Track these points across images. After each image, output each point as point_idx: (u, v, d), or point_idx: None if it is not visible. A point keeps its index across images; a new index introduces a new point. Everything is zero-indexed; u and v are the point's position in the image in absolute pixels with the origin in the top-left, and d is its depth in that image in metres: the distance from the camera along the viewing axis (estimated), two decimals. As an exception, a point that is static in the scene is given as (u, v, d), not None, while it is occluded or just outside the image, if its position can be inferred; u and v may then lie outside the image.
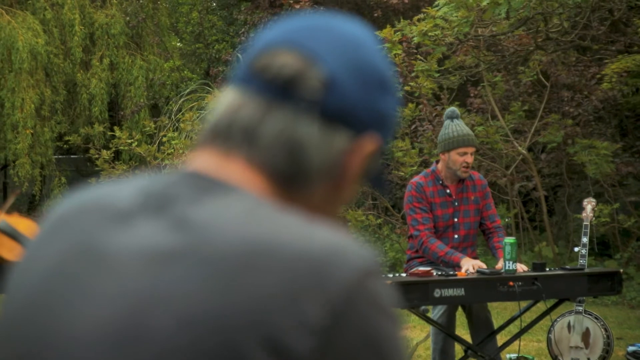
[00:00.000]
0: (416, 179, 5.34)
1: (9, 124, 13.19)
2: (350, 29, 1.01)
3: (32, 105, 13.31)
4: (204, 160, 0.96)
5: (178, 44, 16.38)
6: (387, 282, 0.89)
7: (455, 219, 5.25)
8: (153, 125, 11.98)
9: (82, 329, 0.86)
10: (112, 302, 0.86)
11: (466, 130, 5.20)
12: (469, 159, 5.16)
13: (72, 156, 16.04)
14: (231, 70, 1.01)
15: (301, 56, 0.95)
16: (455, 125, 5.18)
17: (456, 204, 5.25)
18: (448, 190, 5.25)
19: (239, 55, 1.01)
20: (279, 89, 0.94)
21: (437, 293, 4.65)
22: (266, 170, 0.94)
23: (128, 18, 14.63)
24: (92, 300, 0.87)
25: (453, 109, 5.36)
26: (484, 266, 5.00)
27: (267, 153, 0.93)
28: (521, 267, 5.04)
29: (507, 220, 10.41)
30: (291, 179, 0.94)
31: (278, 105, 0.94)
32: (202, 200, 0.90)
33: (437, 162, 5.32)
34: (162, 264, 0.86)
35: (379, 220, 11.00)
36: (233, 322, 0.82)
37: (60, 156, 16.00)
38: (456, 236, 5.23)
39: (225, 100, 0.98)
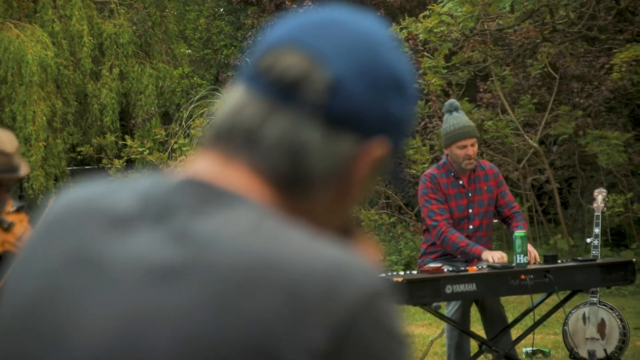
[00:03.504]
0: (429, 170, 5.33)
1: (22, 137, 13.25)
2: (363, 25, 0.95)
3: (44, 118, 13.38)
4: (206, 165, 0.92)
5: (187, 51, 16.43)
6: (395, 304, 0.85)
7: (470, 210, 5.24)
8: (164, 133, 12.01)
9: (77, 344, 0.84)
10: (108, 318, 0.83)
11: (464, 122, 5.14)
12: (470, 150, 5.12)
13: (85, 167, 16.10)
14: (239, 69, 0.97)
15: (307, 57, 0.90)
16: (453, 119, 5.14)
17: (470, 194, 5.25)
18: (461, 182, 5.24)
19: (247, 55, 0.97)
20: (283, 91, 0.90)
21: (448, 289, 4.64)
22: (267, 176, 0.90)
23: (135, 27, 14.68)
24: (87, 313, 0.84)
25: (451, 101, 5.31)
26: (505, 257, 4.99)
27: (268, 157, 0.89)
28: (535, 255, 5.04)
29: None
30: (293, 185, 0.90)
31: (281, 108, 0.90)
32: (204, 211, 0.86)
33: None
34: (161, 279, 0.83)
35: (392, 219, 10.99)
36: (231, 343, 0.79)
37: (74, 167, 16.07)
38: (471, 227, 5.23)
39: (231, 100, 0.94)
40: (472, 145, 5.13)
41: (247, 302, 0.80)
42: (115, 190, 0.91)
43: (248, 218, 0.85)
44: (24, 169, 3.56)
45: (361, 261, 0.84)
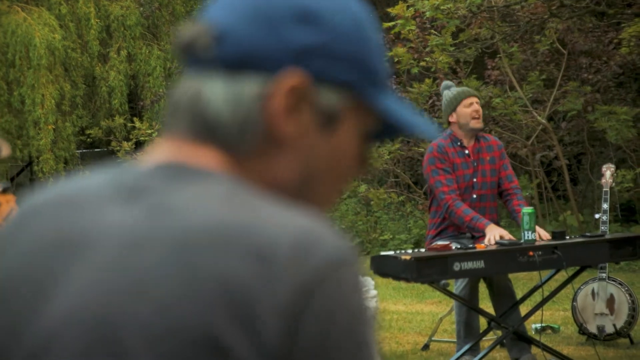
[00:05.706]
0: (436, 141, 5.34)
1: (31, 120, 13.28)
2: None
3: (53, 101, 13.39)
4: (164, 149, 0.96)
5: (194, 32, 16.39)
6: (360, 276, 0.87)
7: (475, 179, 5.29)
8: (172, 115, 12.01)
9: (57, 319, 0.86)
10: (87, 291, 0.86)
11: (463, 87, 5.46)
12: (476, 107, 5.27)
13: (95, 150, 16.15)
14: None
15: (198, 23, 0.96)
16: (451, 91, 5.34)
17: (475, 164, 5.29)
18: (467, 151, 5.30)
19: None
20: (186, 59, 0.95)
21: (456, 266, 4.64)
22: (202, 141, 0.93)
23: (142, 8, 14.65)
24: (65, 289, 0.87)
25: (445, 82, 5.55)
26: (509, 235, 4.99)
27: (186, 121, 0.94)
28: (545, 235, 5.04)
29: (530, 191, 10.36)
30: (227, 143, 0.92)
31: (190, 74, 0.95)
32: (174, 187, 0.89)
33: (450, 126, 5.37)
34: (136, 250, 0.86)
35: (401, 198, 10.99)
36: (208, 304, 0.82)
37: (83, 150, 16.11)
38: (474, 196, 5.27)
39: None
40: (477, 103, 5.30)
41: (219, 265, 0.83)
42: (87, 181, 0.95)
43: (221, 188, 0.89)
44: (4, 150, 3.58)
45: (330, 231, 0.87)
